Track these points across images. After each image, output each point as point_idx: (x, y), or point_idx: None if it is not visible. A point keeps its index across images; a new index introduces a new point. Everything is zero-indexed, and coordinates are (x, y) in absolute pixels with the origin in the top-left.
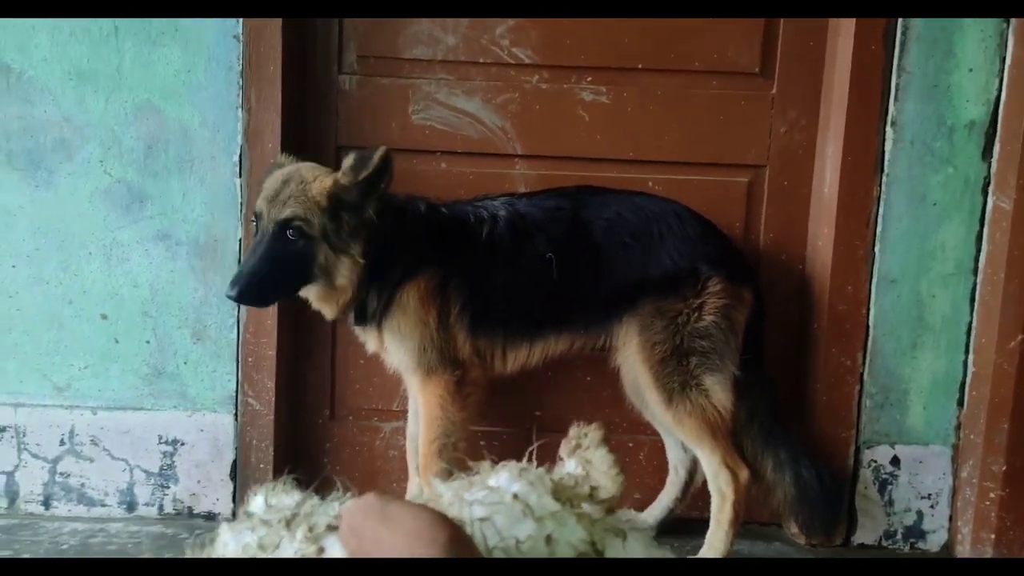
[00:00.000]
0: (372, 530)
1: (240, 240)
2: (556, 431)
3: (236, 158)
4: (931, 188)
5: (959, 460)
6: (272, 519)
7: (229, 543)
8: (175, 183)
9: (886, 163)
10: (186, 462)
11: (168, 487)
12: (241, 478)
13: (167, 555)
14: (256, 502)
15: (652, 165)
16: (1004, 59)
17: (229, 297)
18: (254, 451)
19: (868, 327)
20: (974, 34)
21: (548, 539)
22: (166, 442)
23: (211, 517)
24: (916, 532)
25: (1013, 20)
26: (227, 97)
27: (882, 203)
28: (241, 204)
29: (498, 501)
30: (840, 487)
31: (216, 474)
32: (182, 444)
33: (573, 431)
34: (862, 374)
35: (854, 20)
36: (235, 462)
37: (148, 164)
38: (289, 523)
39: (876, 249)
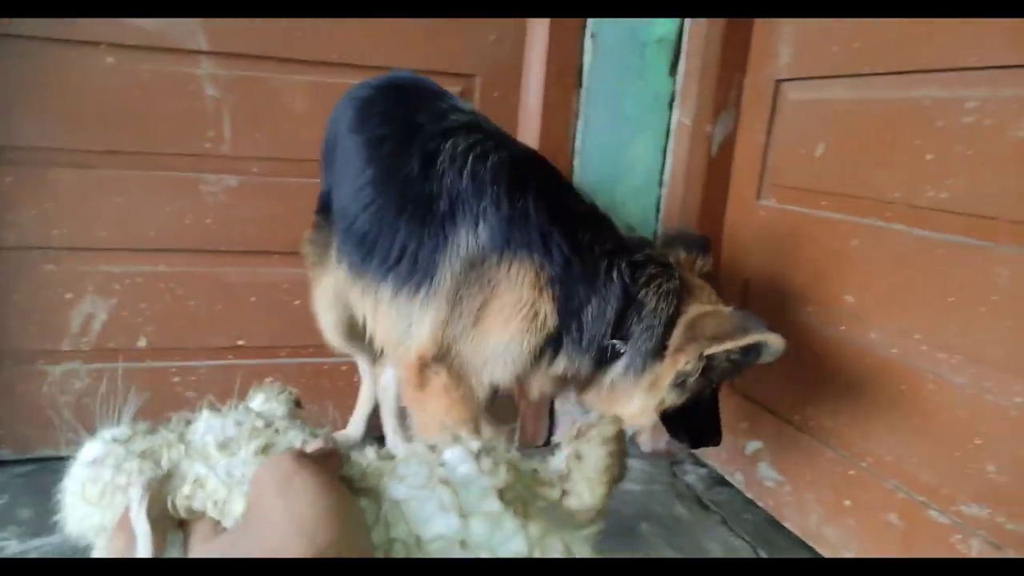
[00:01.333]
0: (268, 499)
1: None
2: (263, 359)
3: None
4: (625, 102)
5: None
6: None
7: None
8: None
9: (584, 74)
10: None
11: None
12: None
13: None
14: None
15: (359, 70)
16: None
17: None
18: None
19: None
20: None
21: (463, 543)
22: None
23: None
24: None
25: None
26: None
27: (581, 116)
28: None
29: (424, 485)
30: None
31: None
32: None
33: (587, 420)
34: None
35: None
36: None
37: None
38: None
39: (576, 162)
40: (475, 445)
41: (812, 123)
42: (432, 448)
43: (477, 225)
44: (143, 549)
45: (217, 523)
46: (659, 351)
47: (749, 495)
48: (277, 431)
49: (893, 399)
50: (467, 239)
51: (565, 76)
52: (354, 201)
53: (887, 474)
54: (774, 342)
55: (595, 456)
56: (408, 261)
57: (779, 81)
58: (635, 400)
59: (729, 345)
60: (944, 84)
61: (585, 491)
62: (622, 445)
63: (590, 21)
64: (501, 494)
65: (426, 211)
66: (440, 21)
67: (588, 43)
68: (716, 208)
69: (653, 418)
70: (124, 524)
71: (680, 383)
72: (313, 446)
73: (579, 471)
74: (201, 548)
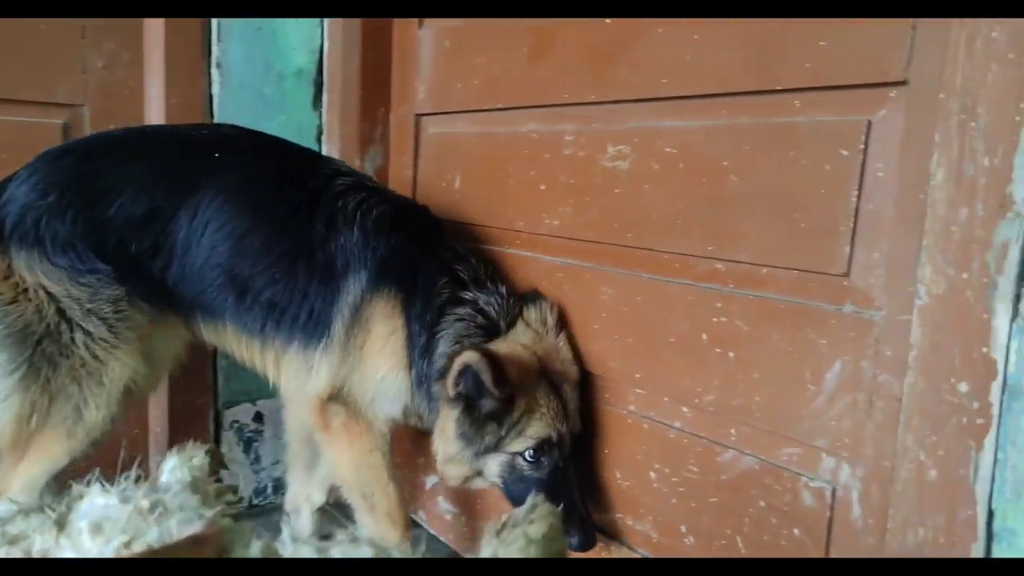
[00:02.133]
0: None
1: None
2: None
3: None
4: None
5: None
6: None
7: None
8: None
9: (215, 107)
10: None
11: None
12: None
13: None
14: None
15: None
16: None
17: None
18: None
19: None
20: None
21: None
22: None
23: None
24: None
25: None
26: None
27: None
28: None
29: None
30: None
31: None
32: None
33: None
34: None
35: None
36: None
37: None
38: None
39: None
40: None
41: (448, 156)
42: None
43: (360, 272)
44: None
45: None
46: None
47: (432, 530)
48: (160, 514)
49: None
50: (353, 286)
51: (191, 107)
52: (261, 274)
53: None
54: (475, 360)
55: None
56: (314, 320)
57: (419, 116)
58: (438, 447)
59: (449, 381)
60: (545, 119)
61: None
62: (556, 548)
63: (215, 49)
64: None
65: (329, 273)
66: (32, 45)
67: (215, 73)
68: None
69: (459, 473)
70: None
71: (462, 435)
72: (190, 531)
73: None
74: None
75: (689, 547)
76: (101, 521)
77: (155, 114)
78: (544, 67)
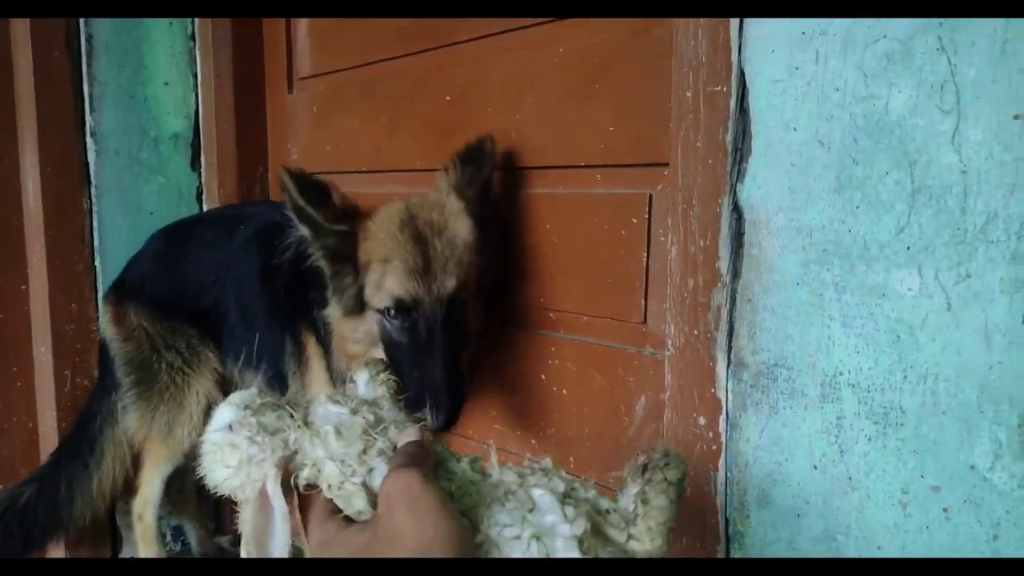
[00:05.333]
0: (399, 515)
1: None
2: None
3: None
4: (146, 198)
5: None
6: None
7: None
8: None
9: (92, 174)
10: None
11: None
12: None
13: None
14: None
15: None
16: (196, 75)
17: (440, 430)
18: None
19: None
20: (164, 48)
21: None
22: None
23: None
24: None
25: (197, 38)
26: None
27: (95, 215)
28: None
29: (517, 532)
30: None
31: None
32: None
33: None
34: None
35: (29, 21)
36: None
37: None
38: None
39: (97, 262)
40: (561, 486)
41: None
42: (521, 478)
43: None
44: (280, 524)
45: (331, 504)
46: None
47: None
48: (384, 428)
49: None
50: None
51: (67, 174)
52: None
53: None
54: (282, 174)
55: (660, 503)
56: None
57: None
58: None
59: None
60: (402, 182)
61: (647, 540)
62: (683, 490)
63: (88, 118)
64: (580, 543)
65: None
66: None
67: (90, 141)
68: None
69: (347, 335)
70: (263, 500)
71: (331, 287)
72: (407, 437)
73: (644, 519)
74: (319, 529)
75: None
76: (340, 427)
77: (31, 183)
78: (399, 136)
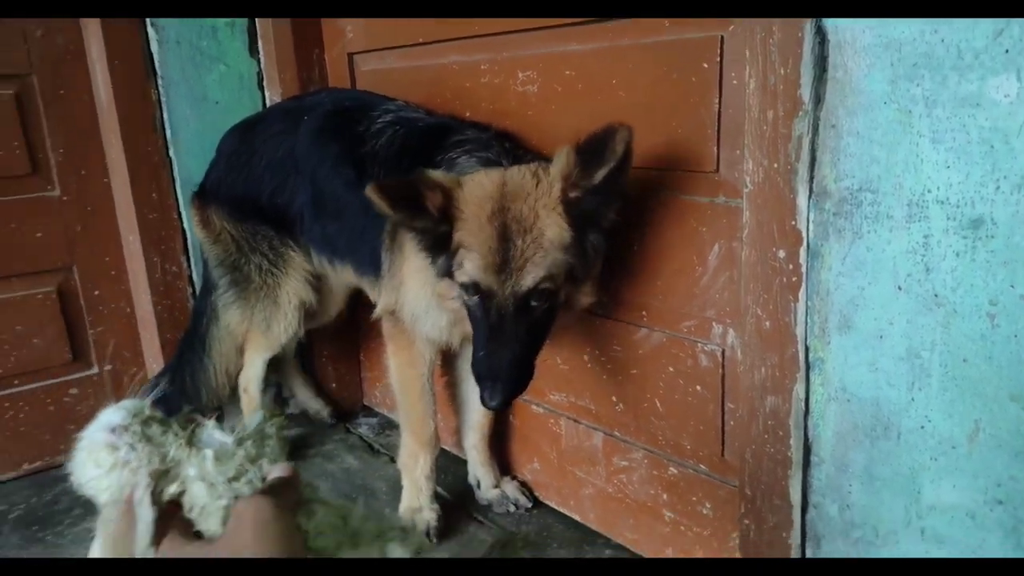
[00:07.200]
0: (245, 537)
1: None
2: None
3: None
4: (210, 87)
5: None
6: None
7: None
8: None
9: (157, 64)
10: None
11: None
12: None
13: None
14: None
15: None
16: None
17: (493, 409)
18: None
19: (184, 231)
20: None
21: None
22: None
23: None
24: None
25: None
26: None
27: (165, 106)
28: None
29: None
30: None
31: None
32: None
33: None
34: (190, 276)
35: None
36: None
37: None
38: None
39: (171, 152)
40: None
41: (382, 90)
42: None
43: None
44: (143, 532)
45: (190, 524)
46: None
47: None
48: (261, 463)
49: None
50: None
51: (133, 67)
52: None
53: None
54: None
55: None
56: (372, 255)
57: (351, 55)
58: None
59: None
60: (463, 50)
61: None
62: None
63: None
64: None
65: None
66: None
67: (152, 31)
68: None
69: (453, 303)
70: (128, 507)
71: (423, 248)
72: (277, 472)
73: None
74: (169, 545)
75: (620, 412)
76: (220, 454)
77: (100, 76)
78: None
